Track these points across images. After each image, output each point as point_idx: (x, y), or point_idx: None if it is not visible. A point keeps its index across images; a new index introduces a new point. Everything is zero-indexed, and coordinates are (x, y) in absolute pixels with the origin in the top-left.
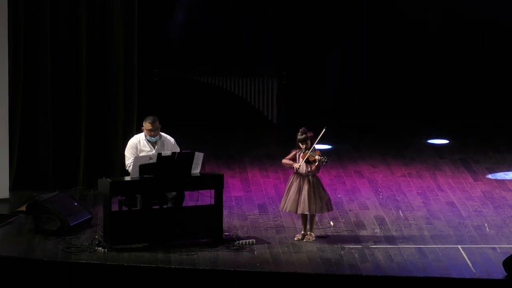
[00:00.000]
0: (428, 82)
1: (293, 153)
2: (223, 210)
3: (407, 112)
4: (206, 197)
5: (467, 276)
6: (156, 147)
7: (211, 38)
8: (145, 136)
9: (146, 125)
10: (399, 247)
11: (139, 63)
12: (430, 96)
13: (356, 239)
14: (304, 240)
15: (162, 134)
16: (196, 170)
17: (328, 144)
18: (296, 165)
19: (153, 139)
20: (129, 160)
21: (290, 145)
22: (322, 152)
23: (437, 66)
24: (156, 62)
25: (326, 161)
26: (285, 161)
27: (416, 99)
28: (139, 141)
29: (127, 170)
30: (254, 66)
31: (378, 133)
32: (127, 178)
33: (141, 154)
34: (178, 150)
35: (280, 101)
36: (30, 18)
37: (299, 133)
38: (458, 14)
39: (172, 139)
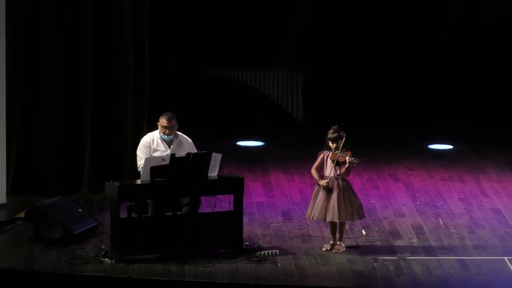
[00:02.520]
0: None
1: (320, 156)
2: (243, 217)
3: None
4: (224, 203)
5: None
6: (171, 146)
7: (229, 27)
8: (159, 134)
9: (162, 121)
10: (438, 259)
11: (150, 55)
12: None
13: (391, 250)
14: (333, 250)
15: (179, 133)
16: (213, 172)
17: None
18: (323, 183)
19: (166, 138)
20: (141, 160)
21: (317, 145)
22: (354, 153)
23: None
24: (169, 54)
25: (358, 163)
26: (313, 172)
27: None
28: (153, 140)
29: (139, 171)
30: (277, 57)
31: (414, 132)
32: (137, 182)
33: (154, 154)
34: (195, 151)
35: (306, 96)
36: (33, 8)
37: (331, 131)
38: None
39: (189, 139)
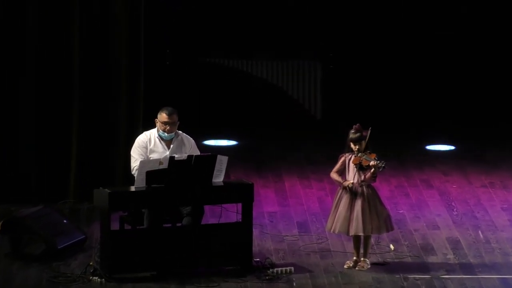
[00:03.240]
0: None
1: (341, 159)
2: (253, 230)
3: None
4: (231, 213)
5: None
6: (171, 147)
7: (238, 10)
8: (157, 131)
9: (162, 116)
10: (478, 278)
11: (146, 42)
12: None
13: (423, 267)
14: (357, 268)
15: (180, 132)
16: (218, 178)
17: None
18: (348, 184)
19: (166, 136)
20: (136, 162)
21: (338, 147)
22: (379, 155)
23: None
24: (168, 41)
25: (384, 167)
26: (334, 176)
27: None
28: (150, 139)
29: (133, 174)
30: (292, 46)
31: (452, 132)
32: (131, 188)
33: (152, 156)
34: (198, 153)
35: (326, 90)
36: None
37: (352, 131)
38: None
39: (191, 139)
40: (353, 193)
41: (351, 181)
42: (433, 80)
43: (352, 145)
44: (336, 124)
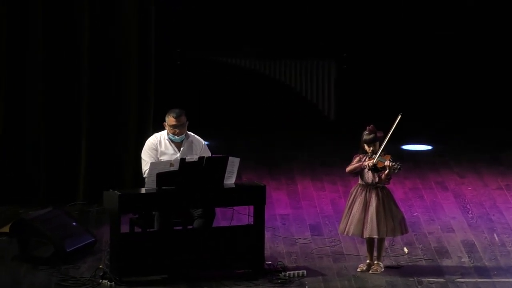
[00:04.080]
0: None
1: (356, 159)
2: (265, 232)
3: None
4: (243, 215)
5: None
6: (181, 149)
7: (250, 8)
8: (167, 135)
9: (169, 119)
10: (493, 282)
11: (157, 41)
12: None
13: (438, 271)
14: (370, 271)
15: (190, 133)
16: (230, 180)
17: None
18: (368, 162)
19: (177, 138)
20: (147, 165)
21: (352, 148)
22: (394, 156)
23: None
24: (179, 40)
25: (399, 168)
26: (350, 167)
27: None
28: (160, 142)
29: (145, 178)
30: (306, 45)
31: (467, 133)
32: (141, 191)
33: (162, 158)
34: (209, 154)
35: (340, 91)
36: None
37: (366, 132)
38: None
39: (202, 141)
40: (376, 169)
41: (372, 161)
42: (445, 79)
43: (366, 147)
44: (350, 125)
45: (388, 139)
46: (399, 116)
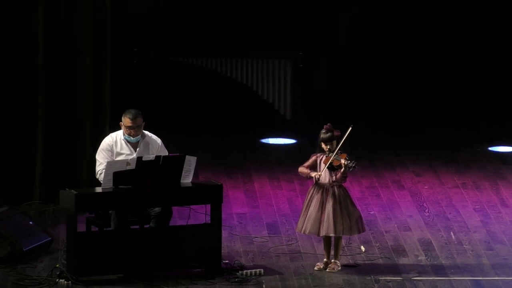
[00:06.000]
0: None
1: (312, 158)
2: (222, 231)
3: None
4: (200, 214)
5: None
6: (138, 149)
7: (206, 8)
8: (123, 135)
9: (125, 120)
10: (450, 280)
11: (113, 40)
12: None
13: (395, 269)
14: (327, 270)
15: (146, 133)
16: (187, 179)
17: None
18: (315, 174)
19: (133, 139)
20: (100, 166)
21: (309, 147)
22: (350, 155)
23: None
24: (135, 39)
25: (355, 167)
26: (301, 169)
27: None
28: (116, 142)
29: (97, 178)
30: (261, 44)
31: (423, 132)
32: (98, 190)
33: (117, 159)
34: (166, 153)
35: (296, 90)
36: None
37: (323, 131)
38: None
39: (159, 140)
40: (324, 187)
41: (319, 173)
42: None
43: (323, 145)
44: (306, 124)
45: (342, 144)
46: (350, 128)
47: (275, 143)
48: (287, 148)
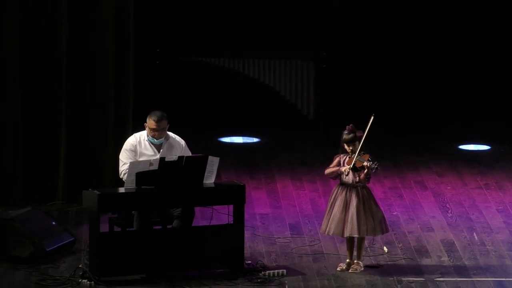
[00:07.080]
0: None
1: (336, 159)
2: (245, 232)
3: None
4: (222, 215)
5: None
6: (161, 150)
7: (230, 9)
8: (147, 136)
9: (150, 122)
10: (473, 280)
11: (136, 41)
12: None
13: (417, 270)
14: (350, 270)
15: (170, 134)
16: (209, 179)
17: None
18: (344, 168)
19: (156, 141)
20: (124, 166)
21: (331, 148)
22: (373, 156)
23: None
24: (158, 40)
25: (377, 168)
26: (328, 170)
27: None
28: (139, 142)
29: (121, 178)
30: (285, 45)
31: (444, 133)
32: (121, 190)
33: (141, 159)
34: (189, 154)
35: (319, 91)
36: None
37: (346, 132)
38: None
39: (182, 141)
40: (347, 187)
41: (348, 166)
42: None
43: (345, 146)
44: (329, 124)
45: (365, 139)
46: (372, 117)
47: (297, 143)
48: (310, 148)
